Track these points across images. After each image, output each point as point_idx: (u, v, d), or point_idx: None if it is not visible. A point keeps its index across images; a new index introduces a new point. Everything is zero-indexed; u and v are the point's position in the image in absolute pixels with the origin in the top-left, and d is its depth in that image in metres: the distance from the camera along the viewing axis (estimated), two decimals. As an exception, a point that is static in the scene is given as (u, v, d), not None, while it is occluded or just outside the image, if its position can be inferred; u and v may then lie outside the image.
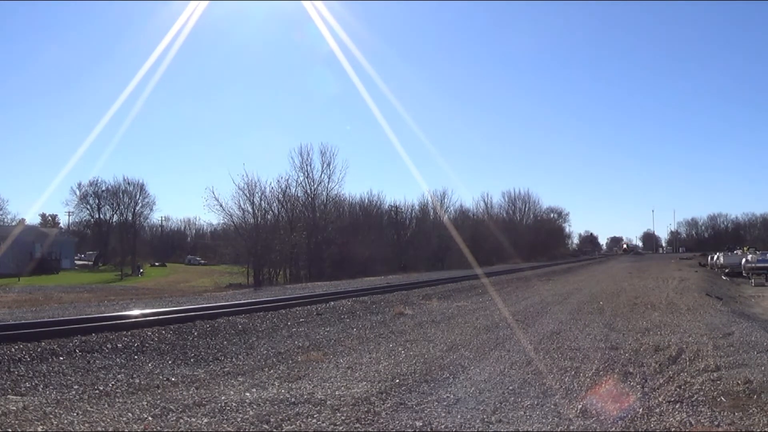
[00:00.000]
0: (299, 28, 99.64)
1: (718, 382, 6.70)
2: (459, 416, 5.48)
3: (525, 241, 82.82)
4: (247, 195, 49.03)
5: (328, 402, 5.96)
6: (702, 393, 6.24)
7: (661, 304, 16.43)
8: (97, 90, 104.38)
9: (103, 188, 77.85)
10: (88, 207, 79.07)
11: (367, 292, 20.29)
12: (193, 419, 5.39)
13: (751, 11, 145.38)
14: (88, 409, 5.72)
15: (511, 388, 6.56)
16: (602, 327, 11.66)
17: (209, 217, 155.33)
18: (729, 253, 47.95)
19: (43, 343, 8.76)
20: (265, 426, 5.18)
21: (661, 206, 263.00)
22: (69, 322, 10.98)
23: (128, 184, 77.70)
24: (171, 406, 5.78)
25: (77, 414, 5.52)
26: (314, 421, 5.33)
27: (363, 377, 7.19)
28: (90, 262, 75.95)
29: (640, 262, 64.04)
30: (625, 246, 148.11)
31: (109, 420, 5.34)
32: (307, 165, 55.72)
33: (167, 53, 53.28)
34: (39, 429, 5.08)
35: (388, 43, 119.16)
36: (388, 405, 5.87)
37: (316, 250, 52.17)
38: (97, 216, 79.69)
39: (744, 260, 38.14)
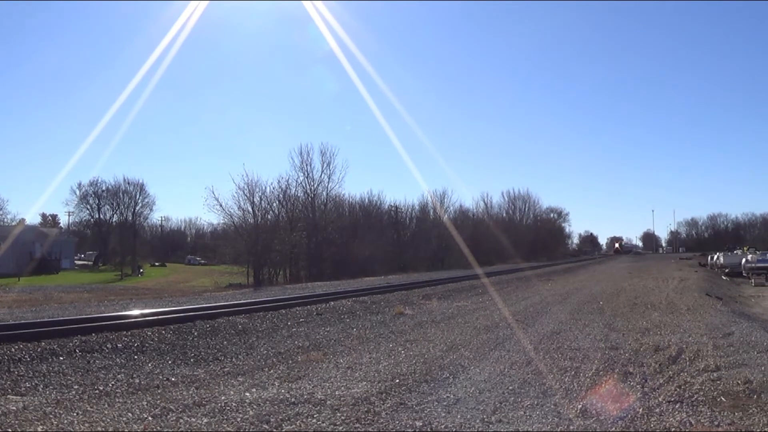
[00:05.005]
0: (299, 28, 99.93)
1: (718, 382, 6.70)
2: (459, 416, 5.48)
3: (525, 241, 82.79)
4: (247, 195, 49.17)
5: (328, 402, 5.96)
6: (702, 393, 6.23)
7: (661, 304, 16.43)
8: (97, 90, 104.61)
9: (103, 188, 78.05)
10: (88, 207, 79.21)
11: (367, 292, 20.30)
12: (193, 419, 5.39)
13: (750, 12, 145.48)
14: (88, 409, 5.72)
15: (511, 388, 6.56)
16: (602, 327, 11.66)
17: (209, 217, 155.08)
18: (729, 253, 48.01)
19: (43, 343, 8.77)
20: (265, 426, 5.18)
21: (661, 206, 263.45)
22: (69, 322, 10.99)
23: (128, 184, 77.93)
24: (171, 406, 5.78)
25: (77, 414, 5.53)
26: (314, 421, 5.33)
27: (363, 377, 7.19)
28: (90, 262, 75.94)
29: (639, 263, 64.04)
30: (617, 246, 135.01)
31: (109, 420, 5.34)
32: (307, 165, 55.82)
33: (167, 53, 53.40)
34: (39, 429, 5.08)
35: (388, 43, 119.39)
36: (388, 405, 5.87)
37: (316, 250, 52.15)
38: (97, 216, 79.76)
39: (744, 260, 38.17)
